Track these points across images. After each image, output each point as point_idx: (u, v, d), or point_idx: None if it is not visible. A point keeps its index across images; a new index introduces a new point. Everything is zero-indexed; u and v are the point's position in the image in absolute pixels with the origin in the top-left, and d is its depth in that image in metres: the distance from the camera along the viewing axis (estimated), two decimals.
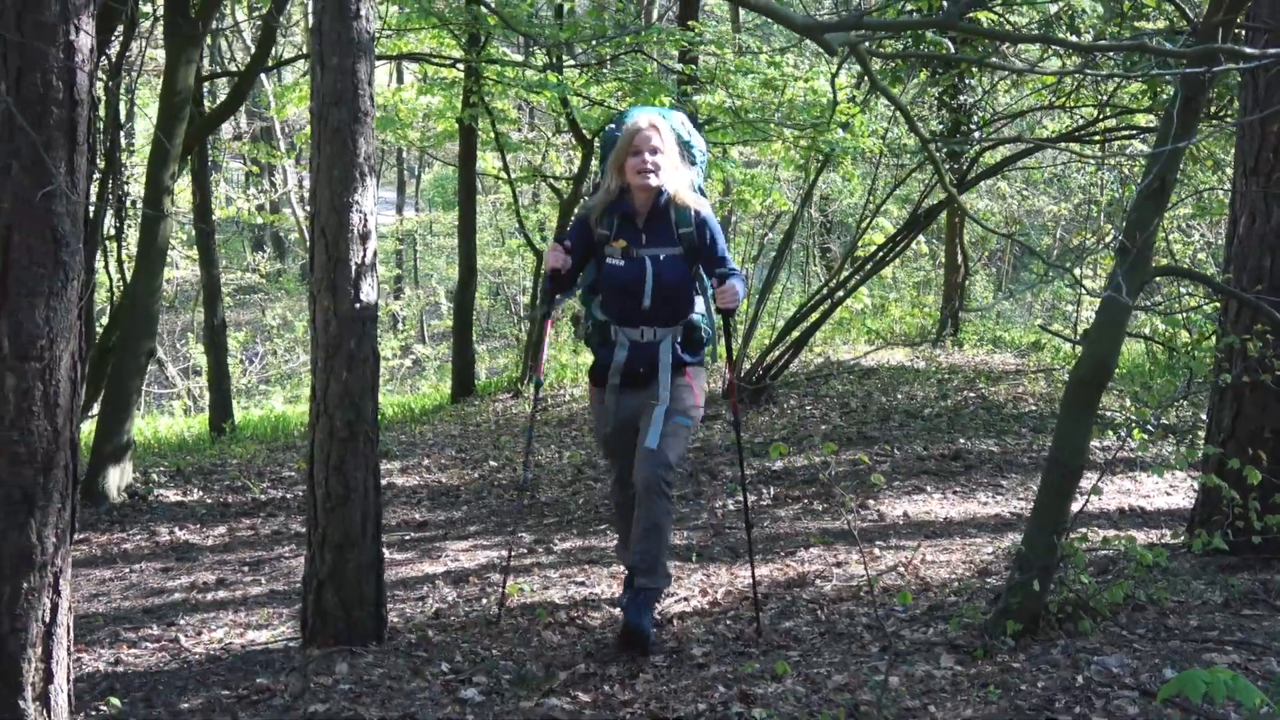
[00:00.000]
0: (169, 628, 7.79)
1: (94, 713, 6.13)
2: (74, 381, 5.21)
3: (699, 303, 6.88)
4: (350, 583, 6.91)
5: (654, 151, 6.60)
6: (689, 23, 14.24)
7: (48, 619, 5.21)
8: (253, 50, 18.67)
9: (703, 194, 6.96)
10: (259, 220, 30.10)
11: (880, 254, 15.11)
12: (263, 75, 20.47)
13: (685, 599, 7.84)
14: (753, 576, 7.33)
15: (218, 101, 19.45)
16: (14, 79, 4.90)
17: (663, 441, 6.62)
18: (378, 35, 6.69)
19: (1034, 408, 13.54)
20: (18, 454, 5.05)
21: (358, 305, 6.71)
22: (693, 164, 6.92)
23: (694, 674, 6.46)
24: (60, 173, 4.98)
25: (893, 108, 14.69)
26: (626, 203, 6.74)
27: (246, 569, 9.29)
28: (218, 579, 9.02)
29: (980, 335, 20.24)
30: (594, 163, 14.02)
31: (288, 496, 11.66)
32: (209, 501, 11.49)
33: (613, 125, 7.00)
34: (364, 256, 6.67)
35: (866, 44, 7.47)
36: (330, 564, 6.89)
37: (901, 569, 8.11)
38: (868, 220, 16.00)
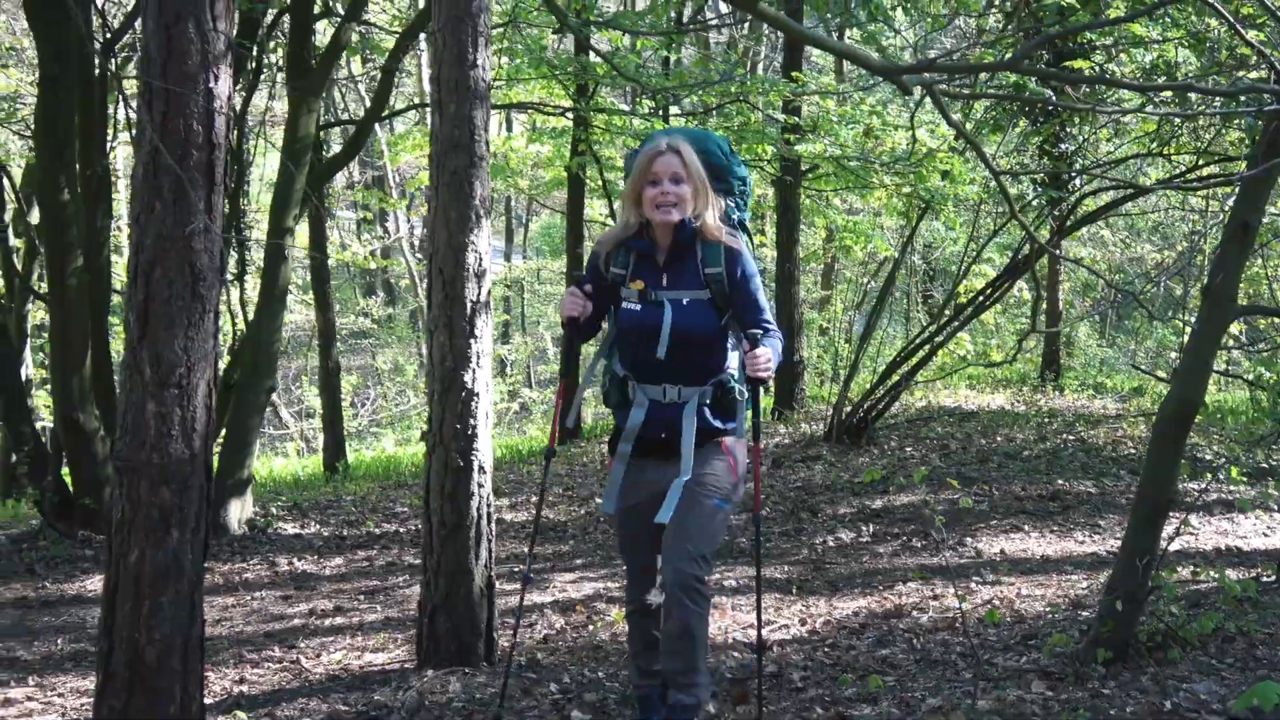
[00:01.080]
0: (289, 650, 8.12)
1: None
2: (209, 408, 5.55)
3: (734, 359, 5.61)
4: (462, 608, 7.19)
5: (675, 180, 5.46)
6: (793, 74, 14.52)
7: (184, 632, 5.52)
8: (367, 101, 19.23)
9: (744, 229, 5.81)
10: (371, 265, 30.66)
11: (980, 300, 15.25)
12: (375, 124, 20.98)
13: (785, 627, 8.06)
14: (759, 669, 6.48)
15: (330, 151, 20.01)
16: (159, 123, 5.27)
17: (691, 527, 5.41)
18: (490, 84, 6.99)
19: (1133, 451, 13.60)
20: (157, 476, 5.40)
21: (473, 341, 7.02)
22: (729, 194, 5.77)
23: (793, 696, 6.67)
24: (200, 211, 5.33)
25: (994, 155, 14.88)
26: (645, 238, 5.61)
27: (363, 597, 9.61)
28: (335, 606, 9.35)
29: (1082, 381, 20.27)
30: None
31: (400, 530, 12.00)
32: (325, 534, 11.86)
33: (633, 153, 5.93)
34: (479, 294, 6.98)
35: (944, 85, 7.69)
36: (444, 590, 7.18)
37: (997, 601, 8.27)
38: (967, 266, 16.14)
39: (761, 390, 5.70)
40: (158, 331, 5.32)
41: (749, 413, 5.75)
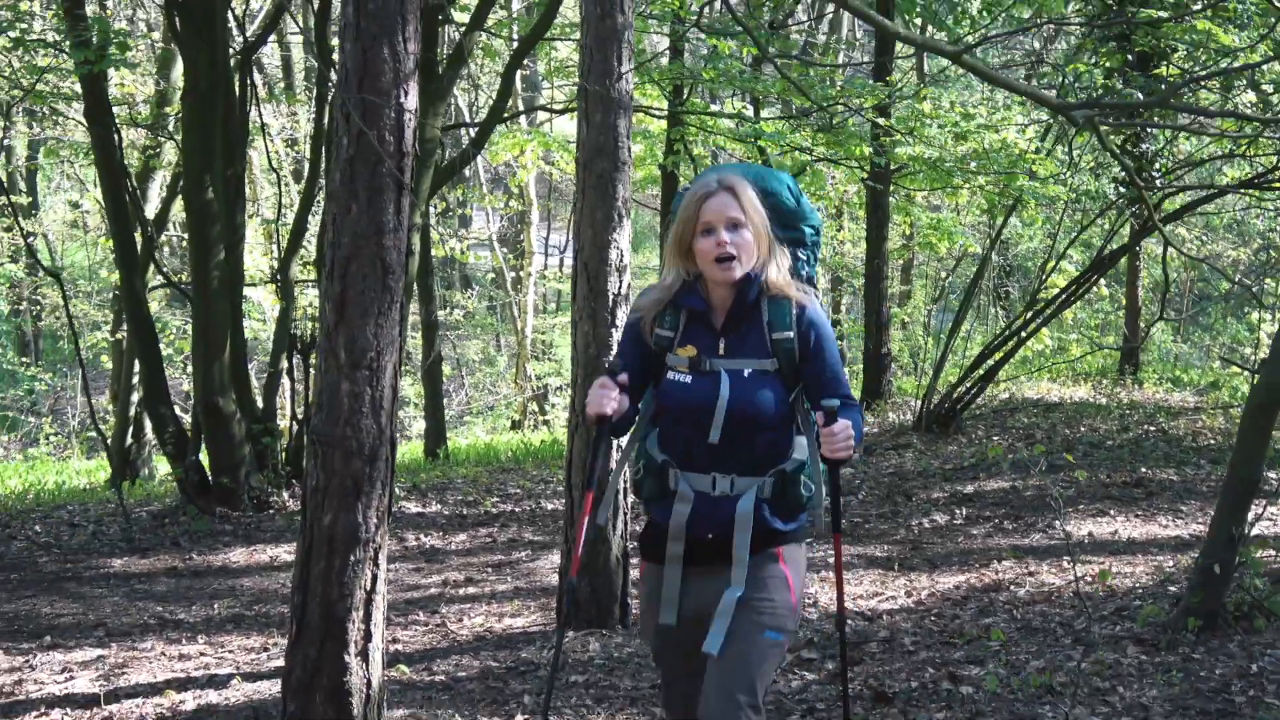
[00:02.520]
0: (433, 615, 8.76)
1: (387, 676, 7.05)
2: (394, 388, 6.16)
3: (800, 443, 4.43)
4: (600, 574, 7.80)
5: (733, 226, 4.32)
6: (886, 78, 15.04)
7: (369, 588, 6.13)
8: (464, 103, 19.90)
9: (812, 284, 4.62)
10: (469, 260, 31.32)
11: (1064, 295, 15.70)
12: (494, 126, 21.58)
13: (892, 598, 8.60)
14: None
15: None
16: (355, 134, 5.87)
17: (738, 668, 4.25)
18: (632, 95, 7.53)
19: (1212, 441, 14.01)
20: (350, 448, 6.00)
21: (614, 330, 7.60)
22: (798, 244, 4.62)
23: (906, 658, 7.22)
24: (390, 213, 5.94)
25: (1068, 159, 15.35)
26: (697, 294, 4.43)
27: (490, 570, 10.23)
28: (466, 578, 9.97)
29: (1160, 375, 20.64)
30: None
31: (516, 510, 12.62)
32: (446, 513, 12.50)
33: (687, 185, 4.67)
34: (620, 287, 7.58)
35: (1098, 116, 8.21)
36: (583, 558, 7.78)
37: (1090, 578, 8.77)
38: (1053, 264, 16.60)
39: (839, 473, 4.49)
40: (352, 319, 5.92)
41: (825, 501, 4.52)
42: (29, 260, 25.69)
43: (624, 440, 4.68)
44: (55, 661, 7.95)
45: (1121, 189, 16.06)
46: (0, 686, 7.44)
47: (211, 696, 7.17)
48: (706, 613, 4.27)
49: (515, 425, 27.87)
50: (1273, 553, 8.50)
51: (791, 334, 4.32)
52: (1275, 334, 7.04)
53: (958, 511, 11.48)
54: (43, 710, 6.99)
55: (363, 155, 5.88)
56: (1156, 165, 16.29)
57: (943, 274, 26.44)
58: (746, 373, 4.31)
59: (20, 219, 17.66)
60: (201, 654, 8.09)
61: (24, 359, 33.20)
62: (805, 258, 4.60)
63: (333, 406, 5.99)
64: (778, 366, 4.32)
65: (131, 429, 19.01)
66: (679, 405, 4.33)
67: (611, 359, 4.73)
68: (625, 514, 7.91)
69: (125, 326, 19.47)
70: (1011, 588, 8.75)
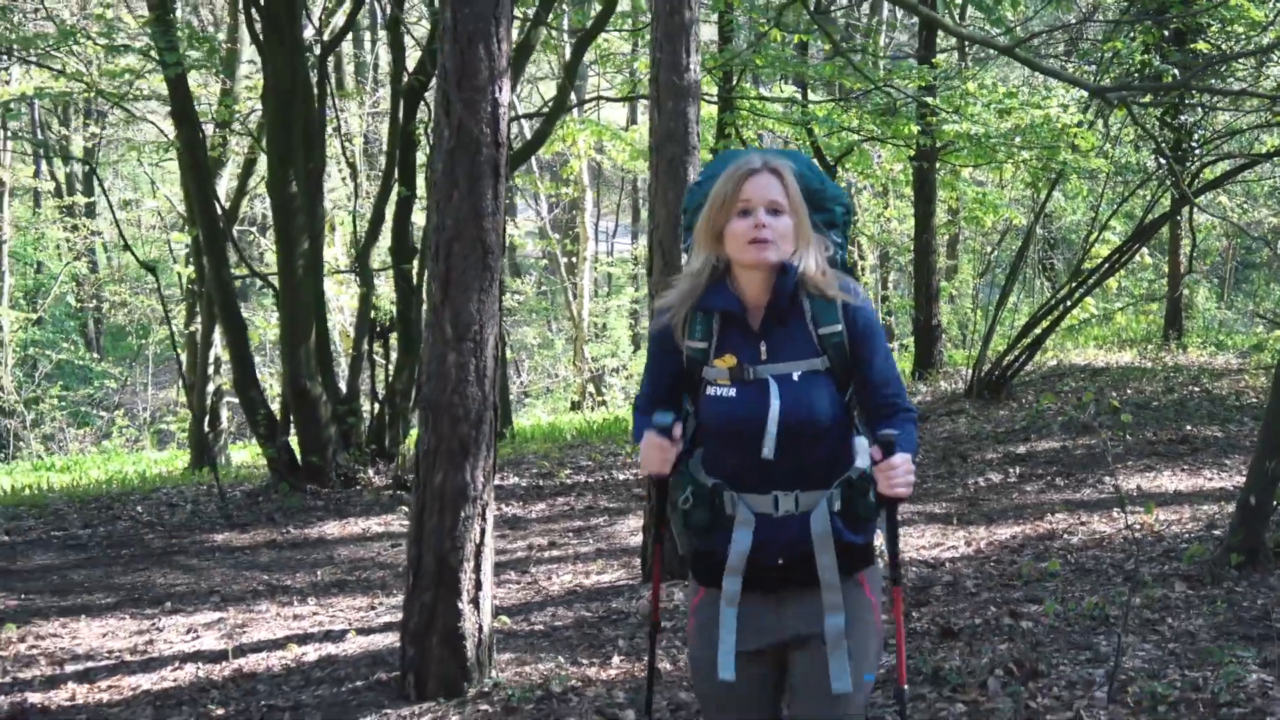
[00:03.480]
0: (524, 575, 9.33)
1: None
2: (496, 358, 6.70)
3: (860, 446, 3.89)
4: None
5: (773, 210, 3.79)
6: (932, 60, 15.51)
7: (478, 541, 6.70)
8: (517, 97, 20.41)
9: (848, 271, 4.06)
10: (528, 246, 31.90)
11: (1106, 264, 16.13)
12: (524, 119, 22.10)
13: (953, 548, 9.11)
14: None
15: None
16: (455, 126, 6.42)
17: (838, 708, 3.75)
18: (700, 84, 7.99)
19: (1255, 400, 14.41)
20: (457, 414, 6.56)
21: None
22: (830, 226, 4.08)
23: (969, 599, 7.74)
24: (488, 198, 6.48)
25: (1110, 132, 15.77)
26: (727, 292, 3.86)
27: (571, 534, 10.79)
28: (549, 542, 10.53)
29: (1204, 339, 21.02)
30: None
31: (589, 480, 13.17)
32: (524, 485, 13.06)
33: (700, 179, 4.10)
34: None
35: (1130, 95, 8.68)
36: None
37: (1138, 525, 9.25)
38: (1096, 235, 17.03)
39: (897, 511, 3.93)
40: (456, 296, 6.47)
41: (879, 533, 3.96)
42: (120, 251, 26.22)
43: None
44: (179, 624, 8.56)
45: (1161, 160, 16.48)
46: (134, 646, 8.06)
47: (330, 649, 7.76)
48: (773, 652, 3.79)
49: (575, 406, 28.44)
50: None
51: (840, 327, 3.78)
52: None
53: (1011, 470, 11.95)
54: (177, 664, 7.59)
55: (463, 146, 6.42)
56: (1196, 136, 16.70)
57: (988, 249, 26.84)
58: (796, 375, 3.77)
59: (115, 212, 18.28)
60: (314, 614, 8.68)
61: (93, 355, 33.92)
62: (839, 240, 4.03)
63: (440, 376, 6.53)
64: (829, 365, 3.78)
65: (208, 417, 19.63)
66: (725, 423, 3.77)
67: (652, 385, 3.98)
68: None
69: (199, 318, 20.16)
70: (1065, 536, 9.24)
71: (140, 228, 35.50)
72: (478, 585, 6.71)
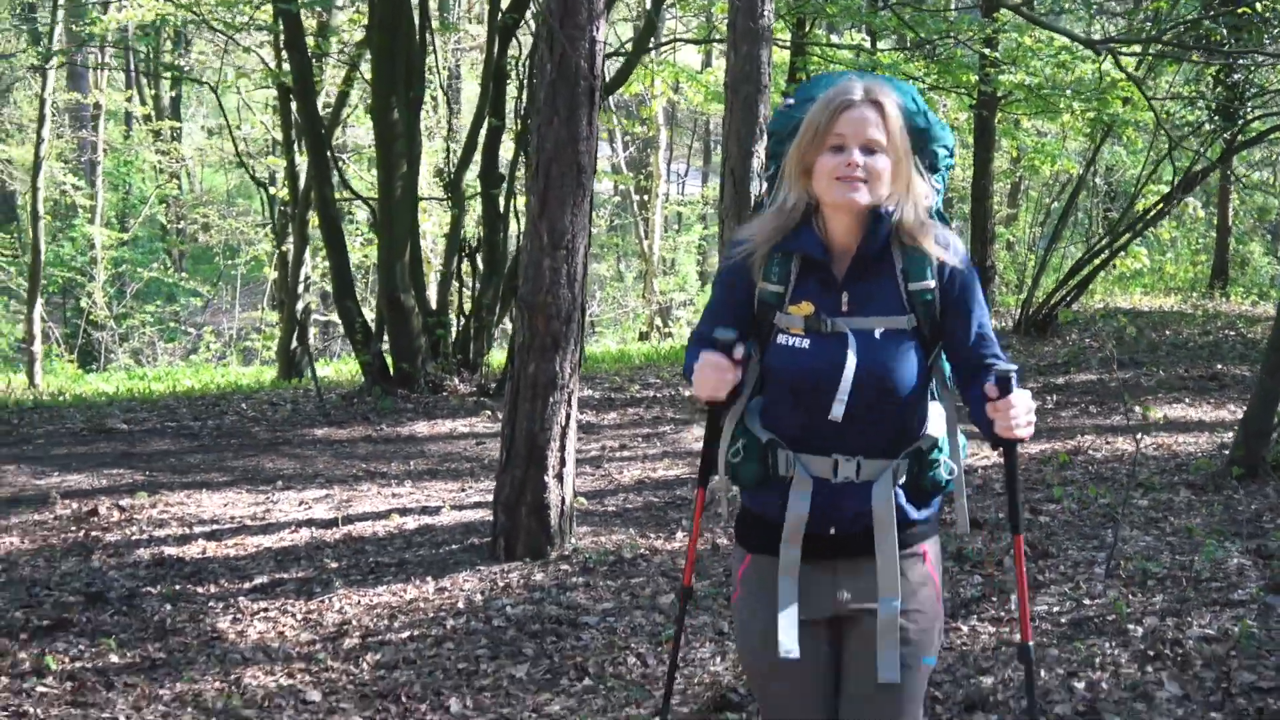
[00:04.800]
0: (597, 469, 10.25)
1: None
2: (585, 265, 7.58)
3: (935, 414, 3.53)
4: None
5: (869, 149, 3.36)
6: (994, 14, 16.15)
7: (564, 424, 7.61)
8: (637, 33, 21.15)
9: (944, 220, 3.59)
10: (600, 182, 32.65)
11: (1151, 212, 16.82)
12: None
13: (985, 458, 9.91)
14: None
15: None
16: (557, 60, 7.28)
17: (899, 694, 3.47)
18: (773, 29, 8.71)
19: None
20: (550, 313, 7.45)
21: None
22: (931, 170, 3.62)
23: (994, 498, 8.59)
24: (584, 124, 7.35)
25: (1169, 88, 16.41)
26: (812, 235, 3.47)
27: (640, 439, 11.69)
28: (620, 444, 11.44)
29: (1247, 289, 21.64)
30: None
31: (657, 395, 14.05)
32: (597, 397, 13.97)
33: (789, 102, 3.71)
34: (760, 190, 8.94)
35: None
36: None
37: (1155, 445, 10.05)
38: (1144, 181, 17.70)
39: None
40: (553, 210, 7.35)
41: (962, 495, 3.57)
42: (239, 169, 27.03)
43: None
44: (292, 498, 9.54)
45: (1215, 116, 17.12)
46: (252, 514, 9.04)
47: (427, 520, 8.72)
48: (824, 624, 3.50)
49: (643, 336, 29.29)
50: None
51: (932, 284, 3.41)
52: None
53: (1049, 399, 12.74)
54: (293, 528, 8.58)
55: (564, 78, 7.28)
56: (1248, 94, 17.27)
57: (1047, 199, 27.41)
58: (878, 333, 3.39)
59: (233, 134, 19.15)
60: (410, 493, 9.64)
61: (181, 275, 34.92)
62: (938, 187, 3.60)
63: (536, 279, 7.43)
64: (915, 324, 3.41)
65: (297, 333, 20.61)
66: (793, 375, 3.41)
67: (713, 323, 3.51)
68: None
69: (291, 239, 21.14)
70: (1090, 451, 10.05)
71: (223, 154, 36.40)
72: (562, 463, 7.64)
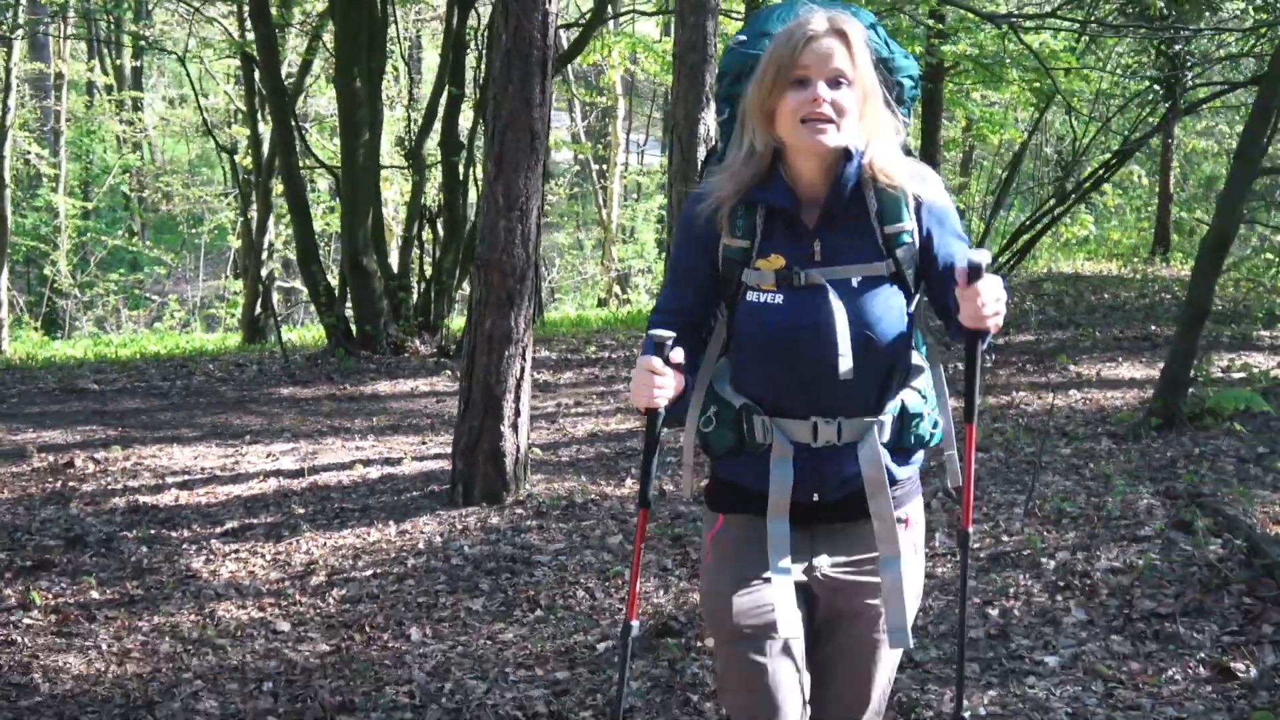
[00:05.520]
0: (552, 423, 10.66)
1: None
2: (538, 226, 7.97)
3: (917, 363, 3.29)
4: None
5: (835, 82, 3.09)
6: None
7: (518, 376, 8.00)
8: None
9: (911, 154, 3.29)
10: (560, 152, 32.98)
11: (1089, 180, 17.31)
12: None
13: None
14: None
15: None
16: (512, 30, 7.64)
17: (869, 670, 3.36)
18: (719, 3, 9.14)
19: (1221, 306, 15.62)
20: (505, 270, 7.83)
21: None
22: (897, 103, 3.31)
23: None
24: (537, 91, 7.72)
25: (1107, 59, 16.87)
26: (779, 182, 3.19)
27: (595, 396, 12.09)
28: (575, 401, 11.84)
29: (1187, 254, 22.16)
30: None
31: (613, 356, 14.44)
32: (554, 357, 14.36)
33: (740, 37, 3.43)
34: (705, 155, 9.33)
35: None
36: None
37: (1084, 400, 10.52)
38: (1079, 151, 18.19)
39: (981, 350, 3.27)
40: (509, 173, 7.73)
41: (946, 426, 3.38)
42: (173, 144, 27.27)
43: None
44: (259, 451, 9.91)
45: (1156, 87, 17.62)
46: (222, 465, 9.42)
47: (389, 470, 9.12)
48: (801, 588, 3.26)
49: (602, 303, 29.68)
50: (1221, 368, 10.27)
51: (909, 225, 3.16)
52: (1221, 194, 8.73)
53: (987, 358, 13.19)
54: (261, 478, 8.96)
55: (518, 48, 7.66)
56: (1188, 64, 17.77)
57: (998, 169, 27.89)
58: (855, 281, 3.14)
59: (200, 104, 19.24)
60: (373, 446, 10.02)
61: (145, 244, 35.02)
62: (906, 120, 3.33)
63: (492, 239, 7.81)
64: (894, 269, 3.17)
65: (261, 299, 20.92)
66: (768, 334, 3.16)
67: (674, 291, 3.35)
68: None
69: (254, 207, 21.43)
70: (1022, 406, 10.51)
71: (184, 124, 36.48)
72: (517, 413, 8.03)
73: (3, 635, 6.09)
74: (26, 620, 6.30)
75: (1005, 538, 6.93)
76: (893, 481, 3.20)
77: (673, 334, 3.06)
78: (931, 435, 3.29)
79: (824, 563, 3.27)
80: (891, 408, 3.18)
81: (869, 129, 3.14)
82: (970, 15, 14.79)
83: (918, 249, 3.17)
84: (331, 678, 5.63)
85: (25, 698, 5.45)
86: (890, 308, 3.14)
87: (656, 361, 3.03)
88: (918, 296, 3.24)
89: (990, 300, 2.93)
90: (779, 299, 3.15)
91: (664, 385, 3.04)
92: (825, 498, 3.20)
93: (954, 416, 3.43)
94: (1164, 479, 7.85)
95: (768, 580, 3.19)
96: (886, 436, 3.19)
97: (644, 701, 5.31)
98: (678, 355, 3.06)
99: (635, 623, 3.42)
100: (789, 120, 3.09)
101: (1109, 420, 9.55)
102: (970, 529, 3.42)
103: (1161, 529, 6.79)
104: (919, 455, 3.33)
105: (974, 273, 2.92)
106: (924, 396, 3.25)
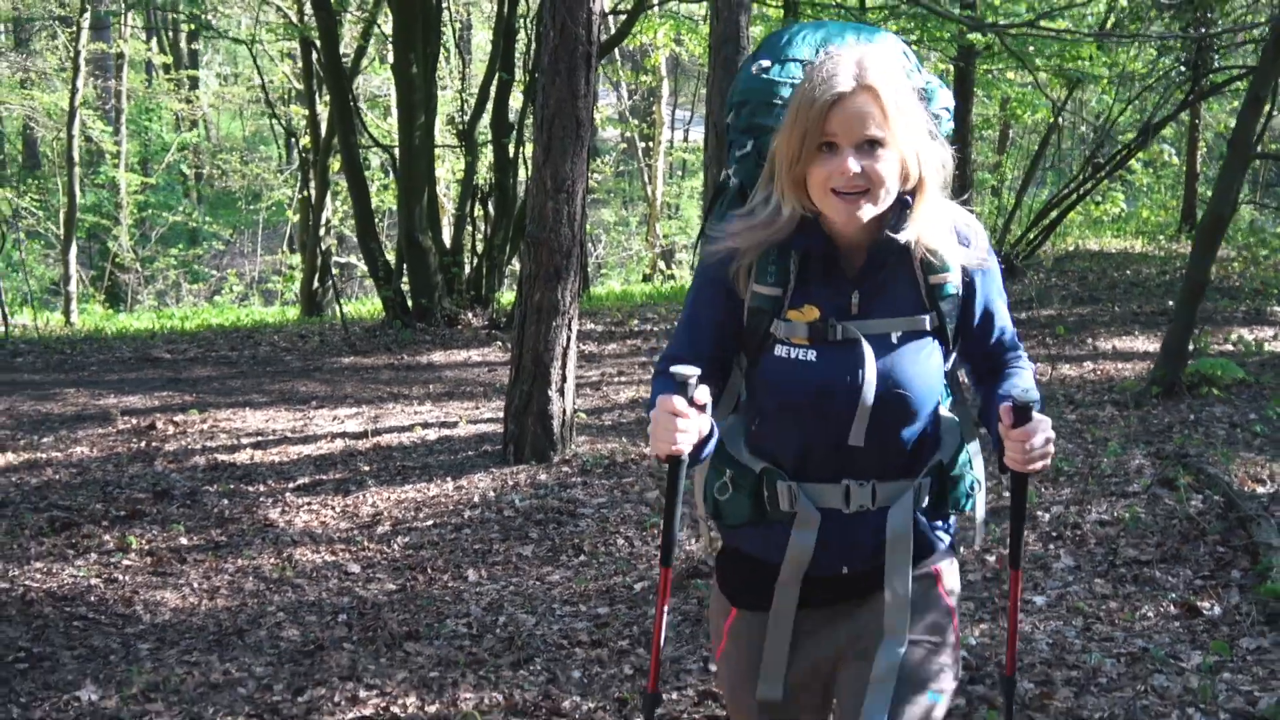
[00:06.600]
0: (596, 390, 11.32)
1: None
2: (584, 207, 8.61)
3: (949, 419, 3.02)
4: None
5: (869, 147, 2.73)
6: None
7: (565, 345, 8.64)
8: None
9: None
10: (600, 127, 33.61)
11: (1116, 156, 17.78)
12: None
13: None
14: None
15: None
16: (559, 28, 8.27)
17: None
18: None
19: (1237, 283, 16.11)
20: (553, 247, 8.47)
21: None
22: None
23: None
24: (582, 83, 8.35)
25: (1136, 43, 17.34)
26: (816, 230, 2.86)
27: (638, 367, 12.73)
28: (618, 371, 12.49)
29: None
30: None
31: (655, 329, 15.08)
32: (599, 330, 15.02)
33: (763, 62, 3.08)
34: (715, 191, 9.93)
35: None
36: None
37: (1095, 370, 11.08)
38: (1104, 131, 18.66)
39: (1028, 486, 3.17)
40: (556, 159, 8.37)
41: (978, 515, 3.13)
42: (229, 121, 27.95)
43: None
44: (326, 415, 10.62)
45: (1184, 68, 18.05)
46: (292, 428, 10.12)
47: (446, 432, 9.81)
48: (826, 668, 3.02)
49: (646, 278, 30.26)
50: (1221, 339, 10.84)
51: (955, 277, 2.87)
52: (1217, 178, 9.28)
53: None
54: (329, 439, 9.66)
55: (564, 44, 8.29)
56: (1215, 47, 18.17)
57: (1034, 148, 28.25)
58: (895, 336, 2.85)
59: (265, 88, 19.89)
60: (430, 411, 10.71)
61: (205, 219, 35.77)
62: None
63: (541, 219, 8.45)
64: (937, 323, 2.88)
65: (318, 274, 21.61)
66: (800, 394, 2.85)
67: (688, 339, 2.98)
68: None
69: (313, 184, 22.14)
70: (1039, 377, 11.08)
71: (240, 102, 37.25)
72: (563, 379, 8.69)
73: (106, 574, 6.80)
74: (125, 561, 7.00)
75: (1006, 494, 7.54)
76: (931, 550, 2.97)
77: (696, 370, 2.71)
78: (969, 498, 3.03)
79: (844, 640, 2.99)
80: (930, 468, 2.92)
81: (910, 176, 2.78)
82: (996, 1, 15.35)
83: (961, 311, 2.90)
84: (399, 611, 6.31)
85: (130, 625, 6.15)
86: (930, 365, 2.86)
87: (679, 401, 2.69)
88: (954, 351, 2.96)
89: (1039, 445, 2.74)
90: (812, 355, 2.83)
91: (688, 429, 2.70)
92: (855, 568, 2.93)
93: (985, 482, 3.17)
94: (1158, 443, 8.44)
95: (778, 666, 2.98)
96: (925, 500, 2.93)
97: (674, 633, 5.97)
98: (703, 394, 2.71)
99: (656, 694, 3.12)
100: (819, 190, 2.76)
101: (1115, 389, 10.12)
102: (1014, 675, 3.20)
103: (1148, 485, 7.40)
104: (951, 519, 3.06)
105: (1021, 415, 2.73)
106: (963, 455, 2.99)
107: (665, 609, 3.01)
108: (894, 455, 2.87)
